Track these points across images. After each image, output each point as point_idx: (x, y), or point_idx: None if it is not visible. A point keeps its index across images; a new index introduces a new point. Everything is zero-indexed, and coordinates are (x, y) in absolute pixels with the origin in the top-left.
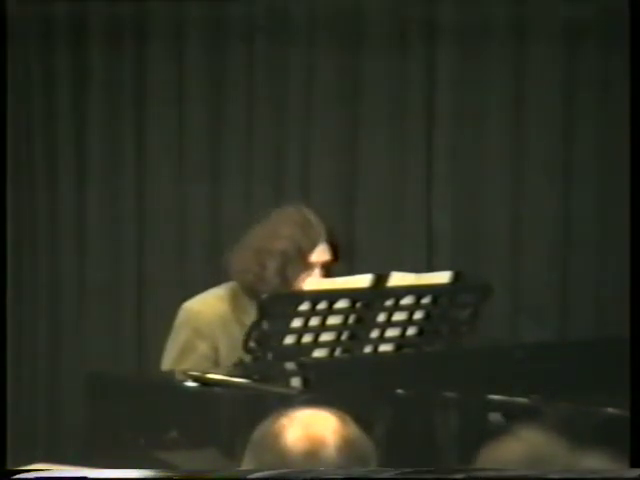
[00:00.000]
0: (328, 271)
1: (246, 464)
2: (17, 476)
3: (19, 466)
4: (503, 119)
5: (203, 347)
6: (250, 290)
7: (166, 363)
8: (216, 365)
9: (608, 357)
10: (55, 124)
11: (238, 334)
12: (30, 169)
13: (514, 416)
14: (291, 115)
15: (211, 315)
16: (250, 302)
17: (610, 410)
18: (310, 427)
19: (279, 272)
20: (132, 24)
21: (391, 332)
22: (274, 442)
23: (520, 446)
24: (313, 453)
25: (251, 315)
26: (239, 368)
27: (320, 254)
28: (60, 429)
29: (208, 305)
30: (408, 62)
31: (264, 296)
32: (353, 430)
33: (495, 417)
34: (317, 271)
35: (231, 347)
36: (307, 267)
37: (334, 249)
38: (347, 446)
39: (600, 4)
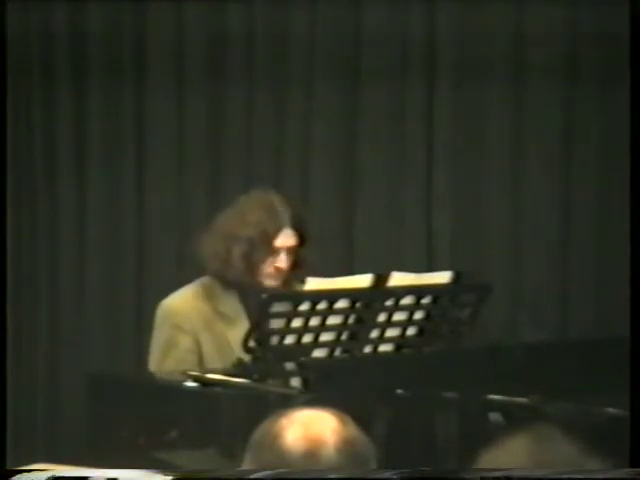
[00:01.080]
0: (295, 255)
1: (246, 464)
2: (17, 476)
3: (19, 466)
4: (503, 119)
5: (185, 341)
6: (221, 277)
7: (152, 362)
8: (201, 359)
9: (608, 357)
10: (55, 124)
11: (218, 326)
12: (30, 169)
13: (514, 416)
14: (291, 115)
15: (189, 310)
16: (225, 291)
17: (610, 410)
18: (309, 427)
19: (244, 257)
20: (132, 24)
21: (391, 332)
22: (273, 442)
23: (526, 445)
24: (312, 453)
25: (228, 304)
26: (239, 368)
27: (285, 239)
28: (60, 429)
29: (184, 300)
30: (408, 65)
31: (264, 296)
32: (352, 430)
33: (495, 417)
34: (282, 255)
35: (213, 339)
36: (272, 251)
37: (300, 234)
38: (346, 446)
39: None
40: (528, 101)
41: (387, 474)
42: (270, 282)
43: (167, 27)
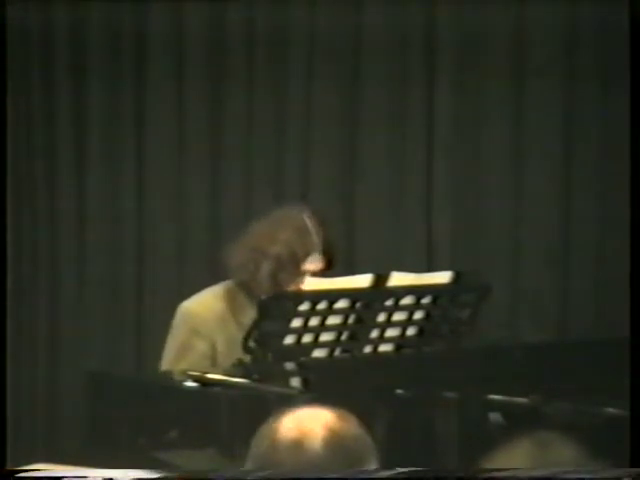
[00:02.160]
0: (320, 277)
1: (247, 463)
2: (17, 476)
3: (19, 466)
4: (503, 120)
5: (201, 346)
6: (246, 287)
7: (165, 363)
8: (214, 364)
9: (608, 357)
10: (55, 124)
11: (235, 332)
12: (30, 169)
13: (514, 416)
14: (291, 115)
15: (208, 314)
16: (247, 300)
17: (610, 410)
18: (301, 420)
19: (271, 276)
20: (132, 24)
21: (391, 332)
22: (268, 436)
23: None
24: (299, 445)
25: (248, 313)
26: (239, 368)
27: (313, 263)
28: (60, 429)
29: (205, 304)
30: (408, 64)
31: (264, 296)
32: (349, 427)
33: (495, 417)
34: (308, 278)
35: (229, 345)
36: (299, 274)
37: (328, 259)
38: (336, 440)
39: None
40: (528, 101)
41: (387, 474)
42: None
43: (167, 26)
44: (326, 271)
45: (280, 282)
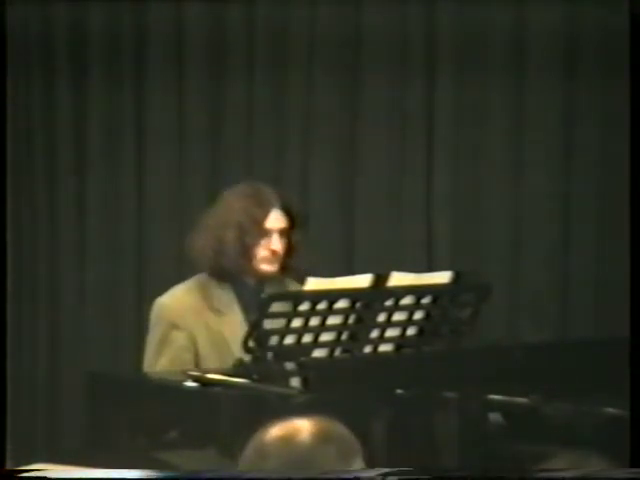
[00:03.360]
0: (287, 238)
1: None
2: (17, 476)
3: (19, 466)
4: (504, 119)
5: (180, 338)
6: (214, 270)
7: (147, 360)
8: (197, 355)
9: (608, 357)
10: (55, 124)
11: (213, 321)
12: (30, 169)
13: (514, 416)
14: (291, 115)
15: (183, 307)
16: (219, 286)
17: (610, 410)
18: (288, 422)
19: (237, 242)
20: (132, 24)
21: (391, 332)
22: (256, 438)
23: None
24: (288, 440)
25: (222, 299)
26: (239, 368)
27: (275, 220)
28: (60, 429)
29: (178, 297)
30: (408, 63)
31: (264, 296)
32: (335, 425)
33: (495, 417)
34: (275, 237)
35: (209, 336)
36: (263, 234)
37: (290, 216)
38: (323, 434)
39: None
40: (528, 101)
41: (386, 474)
42: (266, 267)
43: (167, 25)
44: (290, 230)
45: (247, 246)
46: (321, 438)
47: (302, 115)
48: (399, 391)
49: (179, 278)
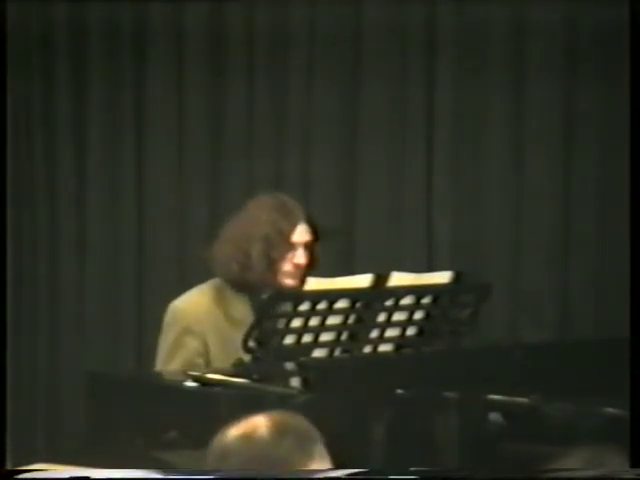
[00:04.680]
0: (311, 251)
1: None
2: (17, 476)
3: (19, 466)
4: (503, 119)
5: (193, 343)
6: (236, 282)
7: (159, 362)
8: (207, 360)
9: (608, 357)
10: (55, 123)
11: (227, 329)
12: (30, 168)
13: (514, 416)
14: (291, 115)
15: (198, 311)
16: (236, 295)
17: (610, 410)
18: (244, 421)
19: (264, 256)
20: (132, 25)
21: (391, 332)
22: (216, 440)
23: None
24: (246, 436)
25: (238, 308)
26: (239, 368)
27: (301, 234)
28: (60, 429)
29: (194, 302)
30: (408, 63)
31: (264, 296)
32: (291, 416)
33: (495, 417)
34: (300, 251)
35: (221, 342)
36: (290, 248)
37: (313, 229)
38: (279, 427)
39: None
40: (528, 101)
41: (386, 474)
42: (289, 281)
43: (167, 25)
44: (315, 243)
45: (274, 260)
46: (278, 431)
47: (302, 115)
48: (399, 391)
49: (179, 278)
